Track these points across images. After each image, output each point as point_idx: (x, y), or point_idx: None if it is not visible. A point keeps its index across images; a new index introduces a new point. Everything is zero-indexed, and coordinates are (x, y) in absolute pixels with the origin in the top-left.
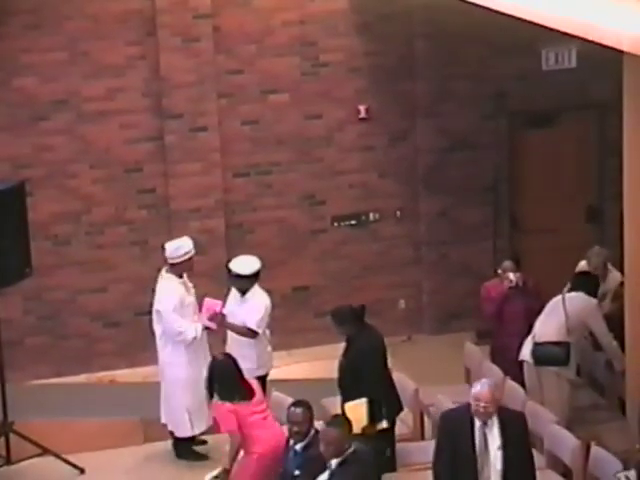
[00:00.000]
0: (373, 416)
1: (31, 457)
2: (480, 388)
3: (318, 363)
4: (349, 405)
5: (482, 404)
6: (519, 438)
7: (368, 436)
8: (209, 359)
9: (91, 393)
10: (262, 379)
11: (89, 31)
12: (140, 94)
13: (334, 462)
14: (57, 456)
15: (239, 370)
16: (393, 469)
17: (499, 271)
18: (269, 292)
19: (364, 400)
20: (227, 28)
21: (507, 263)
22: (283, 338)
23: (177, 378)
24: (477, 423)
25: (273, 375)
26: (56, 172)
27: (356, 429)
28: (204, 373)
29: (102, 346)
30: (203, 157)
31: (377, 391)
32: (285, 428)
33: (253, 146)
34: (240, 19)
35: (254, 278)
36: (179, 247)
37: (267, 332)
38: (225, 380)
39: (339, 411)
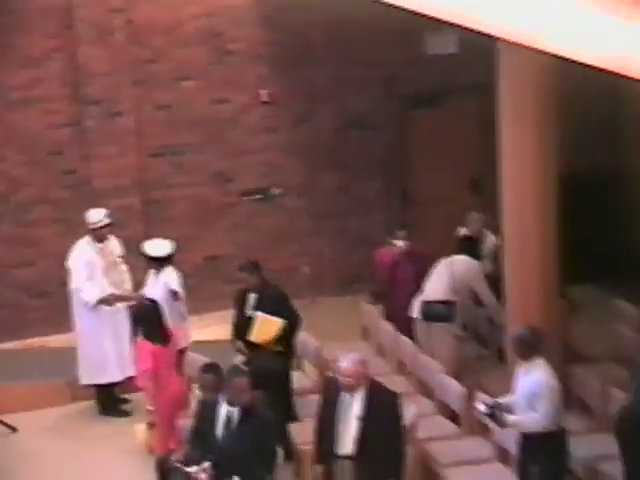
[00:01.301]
0: (279, 338)
1: None
2: (345, 364)
3: (228, 325)
4: (265, 317)
5: (346, 378)
6: (384, 414)
7: (265, 351)
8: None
9: (21, 358)
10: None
11: (12, 25)
12: (60, 83)
13: (237, 411)
14: None
15: (161, 317)
16: (295, 419)
17: (390, 239)
18: (183, 262)
19: (281, 321)
20: (140, 21)
21: (399, 232)
22: (196, 304)
23: (87, 327)
24: (344, 393)
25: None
26: None
27: (256, 339)
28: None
29: (31, 315)
30: (120, 140)
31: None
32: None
33: (166, 129)
34: (151, 12)
35: (167, 260)
36: (92, 215)
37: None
38: (149, 322)
39: None
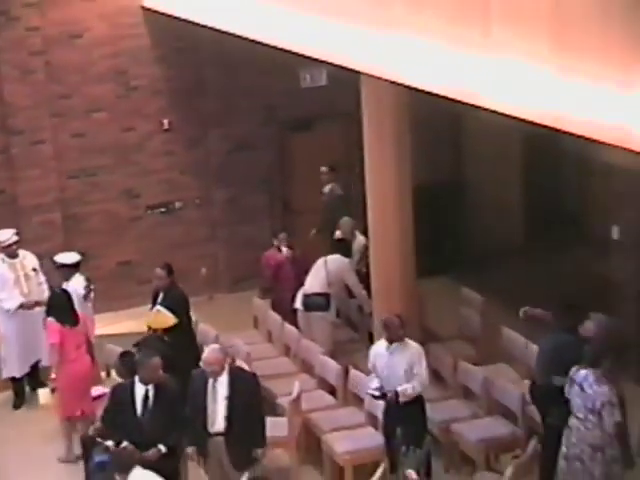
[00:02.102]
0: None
1: None
2: (207, 354)
3: (139, 320)
4: (163, 311)
5: (209, 366)
6: (246, 392)
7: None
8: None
9: None
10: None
11: None
12: None
13: (151, 387)
14: None
15: (71, 303)
16: None
17: (275, 242)
18: (100, 267)
19: (173, 319)
20: (56, 62)
21: (281, 235)
22: (111, 302)
23: (7, 330)
24: (210, 379)
25: (105, 331)
26: None
27: (151, 325)
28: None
29: None
30: (42, 164)
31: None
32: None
33: (81, 154)
34: (67, 54)
35: (75, 267)
36: (1, 235)
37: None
38: (59, 306)
39: None
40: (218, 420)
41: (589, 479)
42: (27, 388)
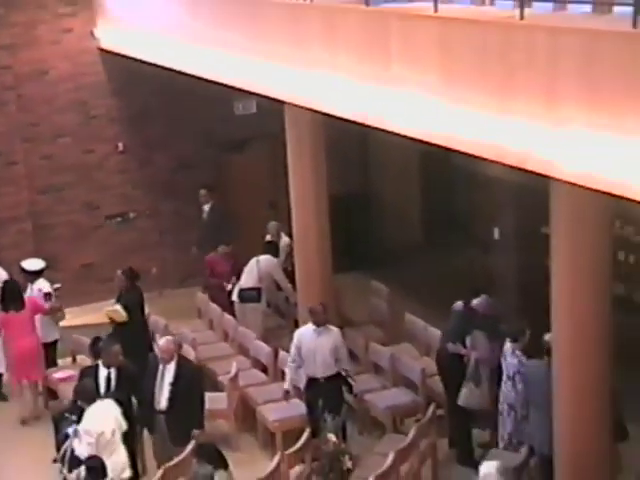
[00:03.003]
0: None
1: None
2: (161, 343)
3: (100, 314)
4: (109, 309)
5: (161, 353)
6: (189, 381)
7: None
8: None
9: None
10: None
11: None
12: None
13: (113, 370)
14: None
15: (18, 290)
16: None
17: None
18: (66, 269)
19: (125, 316)
20: (26, 95)
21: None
22: (76, 298)
23: None
24: (160, 365)
25: (72, 323)
26: None
27: (106, 315)
28: None
29: None
30: (15, 182)
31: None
32: None
33: (49, 173)
34: (35, 89)
35: (39, 274)
36: None
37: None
38: (6, 295)
39: None
40: (162, 400)
41: (503, 431)
42: None
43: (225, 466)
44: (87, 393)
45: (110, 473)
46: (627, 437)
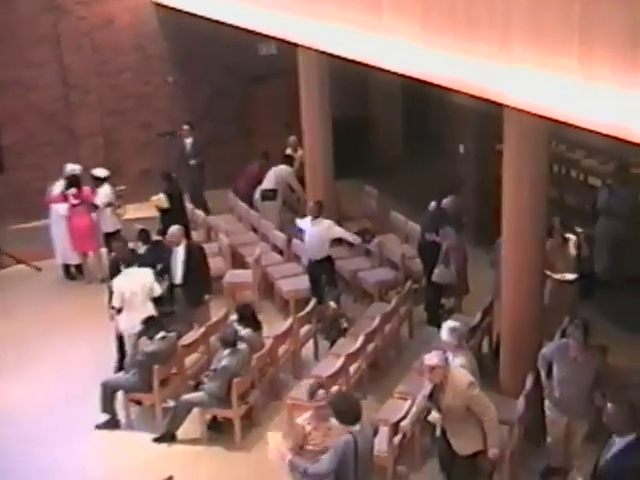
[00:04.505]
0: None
1: (10, 266)
2: (169, 231)
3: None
4: (154, 197)
5: (169, 239)
6: (197, 257)
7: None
8: None
9: None
10: (115, 233)
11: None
12: (56, 75)
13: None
14: (24, 262)
15: (80, 184)
16: None
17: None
18: (128, 174)
19: (162, 195)
20: (98, 40)
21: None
22: (136, 196)
23: None
24: (174, 249)
25: (133, 216)
26: None
27: (158, 205)
28: None
29: None
30: (90, 107)
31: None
32: None
33: (115, 100)
34: (104, 35)
35: (104, 180)
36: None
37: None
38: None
39: None
40: (178, 276)
41: None
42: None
43: (258, 328)
44: (126, 257)
45: (123, 324)
46: None
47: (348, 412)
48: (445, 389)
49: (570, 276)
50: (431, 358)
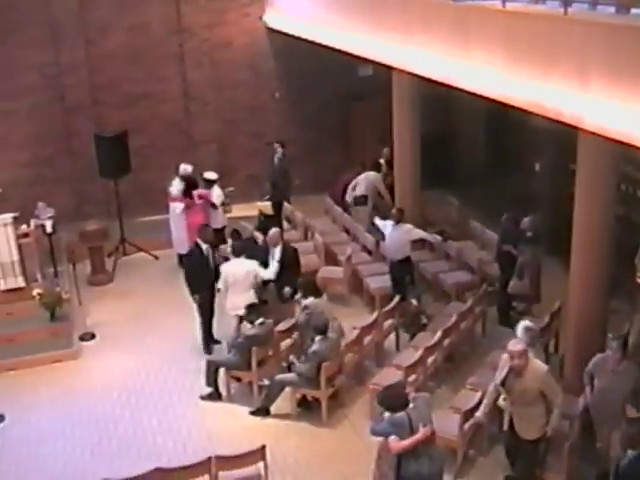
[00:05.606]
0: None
1: (132, 253)
2: (271, 232)
3: (255, 207)
4: (260, 204)
5: (269, 240)
6: (291, 257)
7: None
8: None
9: None
10: (223, 229)
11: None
12: (177, 88)
13: (278, 249)
14: (144, 251)
15: (196, 184)
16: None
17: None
18: (237, 177)
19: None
20: (217, 59)
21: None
22: (242, 198)
23: None
24: (272, 248)
25: (237, 214)
26: None
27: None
28: None
29: None
30: (208, 117)
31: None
32: None
33: (230, 111)
34: (223, 55)
35: (214, 182)
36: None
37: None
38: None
39: None
40: (272, 271)
41: None
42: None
43: (319, 294)
44: (237, 249)
45: (229, 304)
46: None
47: (395, 404)
48: (523, 374)
49: None
50: (516, 344)
